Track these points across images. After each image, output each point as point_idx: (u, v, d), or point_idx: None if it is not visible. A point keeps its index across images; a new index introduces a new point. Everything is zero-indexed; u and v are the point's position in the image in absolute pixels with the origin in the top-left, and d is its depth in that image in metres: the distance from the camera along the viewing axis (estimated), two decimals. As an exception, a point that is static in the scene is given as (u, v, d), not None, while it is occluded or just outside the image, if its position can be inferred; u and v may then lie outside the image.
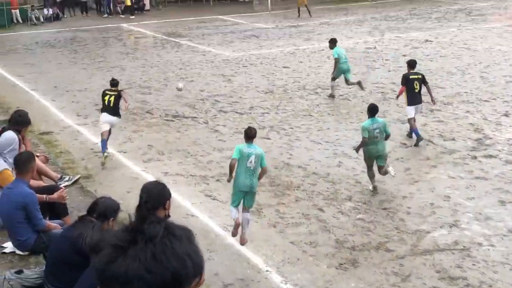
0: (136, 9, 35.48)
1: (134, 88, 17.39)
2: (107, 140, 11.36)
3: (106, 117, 11.40)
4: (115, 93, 11.43)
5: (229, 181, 8.37)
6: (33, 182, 7.47)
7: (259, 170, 8.13)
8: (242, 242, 8.21)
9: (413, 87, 12.31)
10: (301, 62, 20.38)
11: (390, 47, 22.53)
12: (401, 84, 12.57)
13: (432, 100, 12.74)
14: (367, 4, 36.80)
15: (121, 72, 19.56)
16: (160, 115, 14.70)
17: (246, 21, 31.34)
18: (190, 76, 18.81)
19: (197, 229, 8.00)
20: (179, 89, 14.39)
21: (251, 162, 8.02)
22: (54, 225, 7.11)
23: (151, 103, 15.82)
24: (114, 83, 11.73)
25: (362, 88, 15.75)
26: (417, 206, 9.57)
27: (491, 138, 12.56)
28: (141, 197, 5.05)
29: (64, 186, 8.67)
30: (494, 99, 15.39)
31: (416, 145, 12.10)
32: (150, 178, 10.25)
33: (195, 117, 14.47)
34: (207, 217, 9.29)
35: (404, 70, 18.47)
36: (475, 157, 11.55)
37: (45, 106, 15.89)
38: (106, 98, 11.37)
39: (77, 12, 35.05)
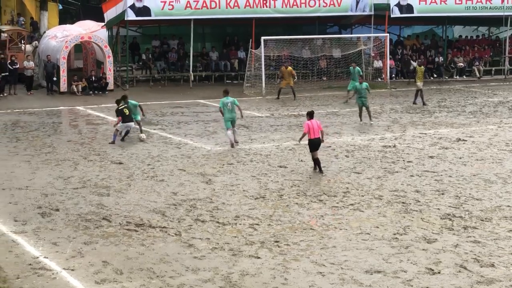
0: (96, 88, 36.05)
1: (89, 187, 17.48)
2: None
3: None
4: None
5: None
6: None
7: (235, 108, 22.60)
8: (235, 143, 22.58)
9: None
10: (302, 161, 20.63)
11: (414, 146, 22.92)
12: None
13: None
14: (385, 91, 37.67)
15: (73, 167, 19.71)
16: (120, 223, 14.70)
17: (233, 108, 31.89)
18: (160, 174, 18.96)
19: None
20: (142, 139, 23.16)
21: (229, 106, 22.38)
22: None
23: (109, 207, 15.87)
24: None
25: None
26: None
27: (541, 265, 12.58)
28: None
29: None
30: (544, 215, 15.54)
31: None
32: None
33: (164, 227, 14.48)
34: None
35: (432, 176, 18.82)
36: (521, 289, 11.55)
37: (-26, 207, 15.91)
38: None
39: (22, 90, 35.66)
